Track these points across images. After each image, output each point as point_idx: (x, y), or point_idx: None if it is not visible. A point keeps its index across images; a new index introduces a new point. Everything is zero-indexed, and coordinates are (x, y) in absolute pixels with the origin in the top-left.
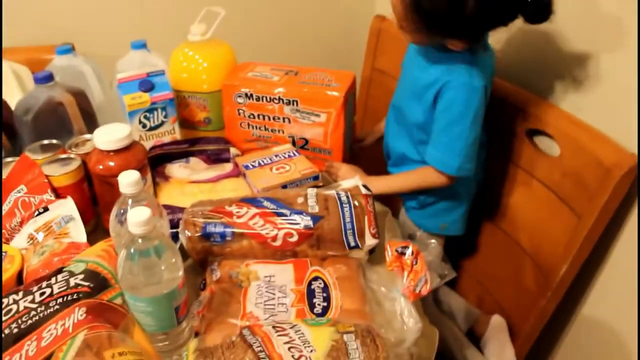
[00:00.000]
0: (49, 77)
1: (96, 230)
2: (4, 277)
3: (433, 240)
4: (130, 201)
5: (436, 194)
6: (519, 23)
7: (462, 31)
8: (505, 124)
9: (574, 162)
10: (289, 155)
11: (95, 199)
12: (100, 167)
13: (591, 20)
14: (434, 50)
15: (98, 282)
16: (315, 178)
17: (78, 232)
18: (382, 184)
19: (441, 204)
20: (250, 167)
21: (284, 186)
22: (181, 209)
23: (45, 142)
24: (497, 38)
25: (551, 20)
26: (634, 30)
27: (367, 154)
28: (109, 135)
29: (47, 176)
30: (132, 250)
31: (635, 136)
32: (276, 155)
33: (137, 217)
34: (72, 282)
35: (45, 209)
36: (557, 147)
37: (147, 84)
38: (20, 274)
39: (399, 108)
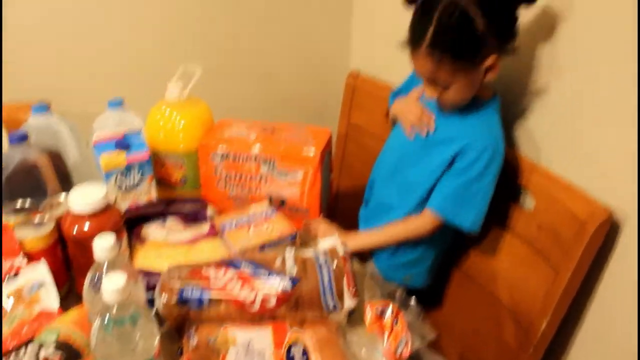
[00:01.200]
0: (24, 137)
1: (69, 295)
2: None
3: (413, 300)
4: (105, 266)
5: (409, 245)
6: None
7: (487, 39)
8: None
9: (549, 215)
10: (266, 215)
11: (69, 262)
12: (75, 230)
13: (559, 75)
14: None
15: (70, 353)
16: (293, 238)
17: (50, 298)
18: (364, 240)
19: (411, 254)
20: (228, 227)
21: (262, 246)
22: (157, 273)
23: (18, 204)
24: None
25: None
26: (603, 84)
27: (343, 205)
28: (84, 197)
29: (19, 240)
30: (106, 320)
31: (608, 189)
32: (253, 215)
33: (112, 286)
34: (42, 355)
35: (16, 274)
36: (532, 200)
37: (123, 144)
38: None
39: (397, 154)
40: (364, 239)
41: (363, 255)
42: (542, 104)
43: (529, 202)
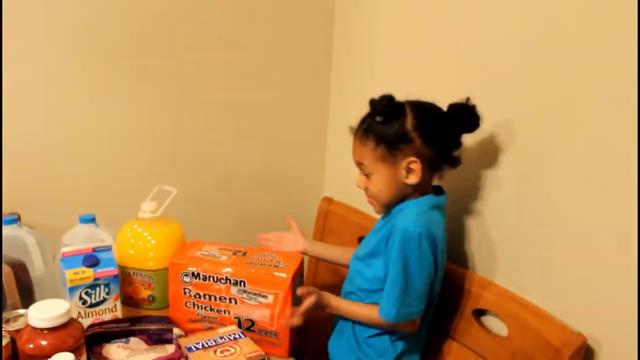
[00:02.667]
0: None
1: None
2: None
3: None
4: None
5: None
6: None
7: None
8: (450, 305)
9: (523, 342)
10: (234, 338)
11: None
12: (31, 346)
13: (522, 200)
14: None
15: None
16: None
17: None
18: (342, 304)
19: None
20: (194, 349)
21: None
22: None
23: None
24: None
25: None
26: (570, 208)
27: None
28: (45, 312)
29: None
30: None
31: (580, 314)
32: (221, 337)
33: None
34: None
35: None
36: (505, 327)
37: (92, 259)
38: None
39: (355, 264)
40: (343, 303)
41: None
42: (502, 230)
43: (501, 328)
